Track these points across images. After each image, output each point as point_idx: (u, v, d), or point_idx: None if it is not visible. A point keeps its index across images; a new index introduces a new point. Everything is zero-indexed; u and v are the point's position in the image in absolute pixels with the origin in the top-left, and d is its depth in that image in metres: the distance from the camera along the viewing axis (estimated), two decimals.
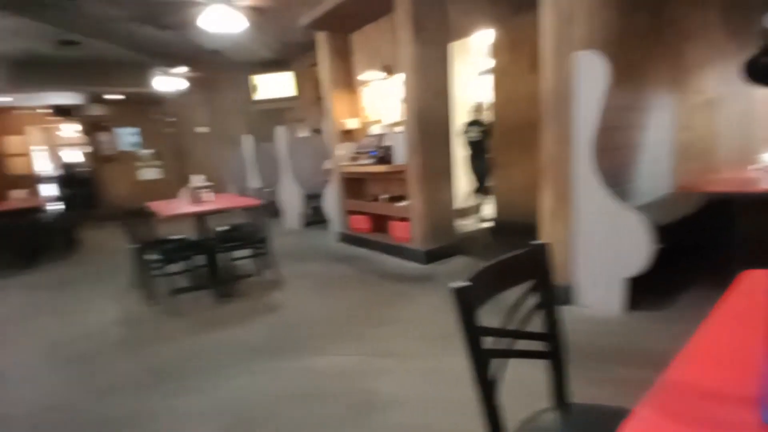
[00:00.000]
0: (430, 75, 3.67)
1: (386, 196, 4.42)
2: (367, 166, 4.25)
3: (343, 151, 4.66)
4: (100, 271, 4.62)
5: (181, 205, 3.57)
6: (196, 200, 3.58)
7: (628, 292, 2.44)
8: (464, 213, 5.45)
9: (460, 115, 5.17)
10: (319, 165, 5.74)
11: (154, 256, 3.15)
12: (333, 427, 1.72)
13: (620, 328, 2.33)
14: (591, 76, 2.36)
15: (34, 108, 10.05)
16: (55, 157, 11.58)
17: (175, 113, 8.33)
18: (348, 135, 4.89)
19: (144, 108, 8.75)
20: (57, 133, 11.61)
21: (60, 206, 6.01)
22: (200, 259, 3.54)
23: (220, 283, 3.47)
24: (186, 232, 3.61)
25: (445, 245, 3.94)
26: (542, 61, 2.57)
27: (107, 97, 8.36)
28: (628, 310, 2.45)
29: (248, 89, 8.12)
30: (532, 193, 2.93)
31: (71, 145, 11.76)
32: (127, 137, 9.00)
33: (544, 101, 2.59)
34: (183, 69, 6.32)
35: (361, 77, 4.67)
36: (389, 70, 4.35)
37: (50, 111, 9.95)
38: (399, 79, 4.05)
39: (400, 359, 2.21)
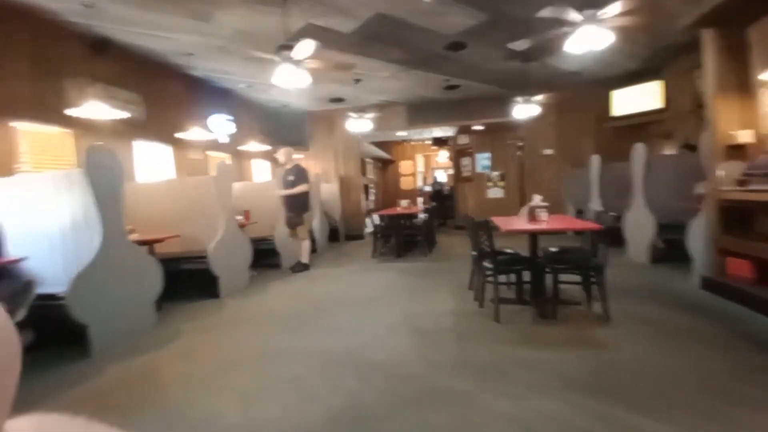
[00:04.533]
0: None
1: None
2: (764, 192, 3.09)
3: (727, 171, 3.59)
4: (447, 268, 5.50)
5: (519, 222, 3.77)
6: (533, 219, 3.68)
7: None
8: None
9: None
10: (684, 189, 4.66)
11: (489, 265, 3.45)
12: None
13: None
14: None
15: (420, 140, 13.31)
16: (428, 177, 14.92)
17: (524, 137, 8.90)
18: (737, 151, 3.72)
19: (498, 135, 9.82)
20: (435, 158, 14.94)
21: (426, 215, 7.58)
22: (527, 275, 3.62)
23: (543, 302, 3.41)
24: (519, 248, 3.79)
25: None
26: None
27: (473, 128, 9.94)
28: None
29: (602, 106, 7.65)
30: None
31: (441, 168, 14.83)
32: (482, 161, 10.39)
33: None
34: (538, 96, 6.65)
35: (762, 77, 3.46)
36: None
37: (431, 142, 12.89)
38: None
39: None
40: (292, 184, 5.66)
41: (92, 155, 3.15)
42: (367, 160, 12.12)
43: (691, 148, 5.88)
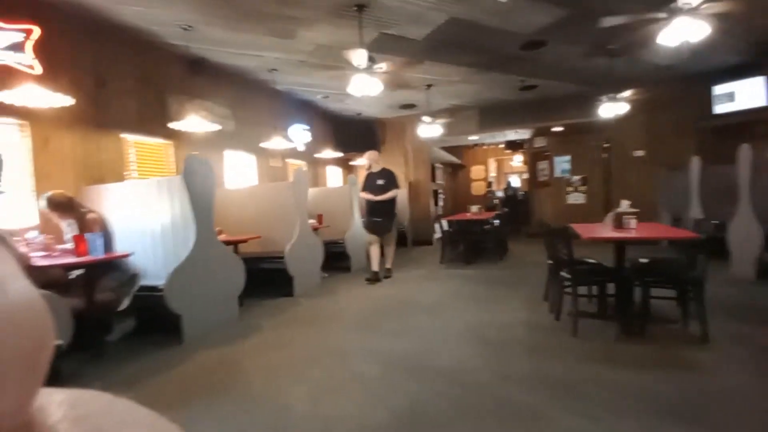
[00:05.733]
0: None
1: None
2: None
3: None
4: (519, 277, 5.27)
5: (603, 230, 3.49)
6: (619, 226, 3.39)
7: None
8: None
9: None
10: None
11: (567, 275, 3.24)
12: None
13: None
14: None
15: (493, 144, 12.93)
16: (501, 181, 14.42)
17: (610, 138, 8.25)
18: None
19: (579, 136, 9.21)
20: (508, 163, 14.43)
21: (498, 221, 7.32)
22: (610, 288, 3.34)
23: (628, 318, 3.12)
24: (602, 258, 3.51)
25: None
26: None
27: (551, 130, 9.44)
28: None
29: (701, 103, 6.85)
30: None
31: (515, 172, 14.27)
32: (561, 165, 9.80)
33: None
34: (625, 93, 6.12)
35: None
36: None
37: (504, 145, 12.46)
38: None
39: None
40: (382, 189, 5.35)
41: (189, 164, 3.51)
42: (437, 165, 12.03)
43: None
